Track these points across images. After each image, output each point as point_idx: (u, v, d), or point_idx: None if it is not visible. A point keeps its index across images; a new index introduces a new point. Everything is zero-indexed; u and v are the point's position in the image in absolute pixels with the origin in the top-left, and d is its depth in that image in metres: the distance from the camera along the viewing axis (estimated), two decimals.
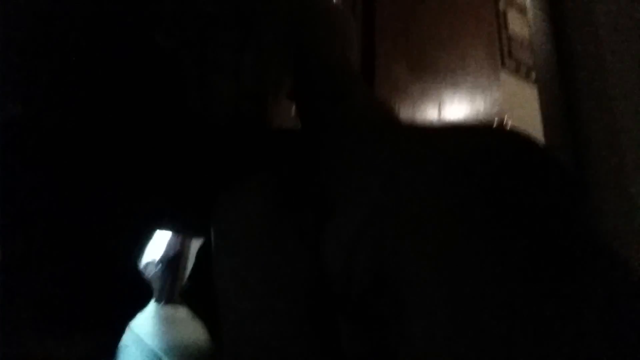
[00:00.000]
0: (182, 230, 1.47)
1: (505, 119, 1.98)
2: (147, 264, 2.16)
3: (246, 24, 0.67)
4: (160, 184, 0.78)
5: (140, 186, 0.74)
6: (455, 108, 1.89)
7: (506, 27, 2.34)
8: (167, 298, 2.04)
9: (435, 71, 1.85)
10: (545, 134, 0.94)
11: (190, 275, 0.86)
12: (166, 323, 1.62)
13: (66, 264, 0.69)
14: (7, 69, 0.54)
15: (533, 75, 2.07)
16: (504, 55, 2.25)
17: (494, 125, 0.30)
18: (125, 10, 0.58)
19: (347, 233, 0.29)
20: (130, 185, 0.73)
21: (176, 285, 2.07)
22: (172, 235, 2.13)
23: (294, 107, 2.13)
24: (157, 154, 0.72)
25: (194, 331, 1.01)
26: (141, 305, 0.89)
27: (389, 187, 0.27)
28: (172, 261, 2.11)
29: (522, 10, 2.22)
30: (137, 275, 0.90)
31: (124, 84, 0.62)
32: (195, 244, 2.08)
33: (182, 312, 1.68)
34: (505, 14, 2.36)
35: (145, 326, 1.42)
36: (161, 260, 2.17)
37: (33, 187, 0.69)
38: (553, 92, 0.93)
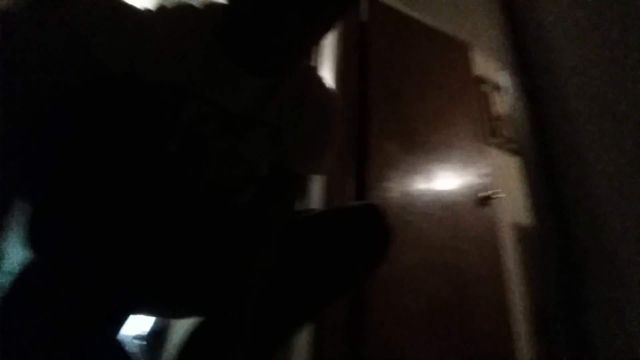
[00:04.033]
0: (169, 315, 1.44)
1: (494, 190, 2.06)
2: (131, 338, 2.07)
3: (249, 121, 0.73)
4: (154, 271, 0.80)
5: (136, 271, 0.75)
6: (445, 181, 1.97)
7: (489, 108, 2.52)
8: None
9: (425, 148, 1.95)
10: (530, 201, 1.02)
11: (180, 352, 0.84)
12: None
13: (53, 337, 0.68)
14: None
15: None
16: (489, 133, 2.40)
17: None
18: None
19: None
20: (128, 267, 0.73)
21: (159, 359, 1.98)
22: None
23: None
24: (156, 241, 0.75)
25: None
26: None
27: None
28: (155, 335, 2.03)
29: (503, 92, 2.41)
30: (119, 349, 0.88)
31: (133, 179, 0.65)
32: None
33: None
34: (487, 96, 2.55)
35: None
36: (144, 335, 2.09)
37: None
38: (533, 163, 1.03)
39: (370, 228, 0.77)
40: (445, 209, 1.88)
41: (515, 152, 2.17)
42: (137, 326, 2.02)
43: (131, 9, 0.67)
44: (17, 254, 0.84)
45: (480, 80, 2.56)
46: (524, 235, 2.26)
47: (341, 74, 1.88)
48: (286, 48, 0.63)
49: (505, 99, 1.96)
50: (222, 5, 0.71)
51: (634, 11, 0.82)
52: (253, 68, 0.69)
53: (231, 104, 0.71)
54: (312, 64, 0.96)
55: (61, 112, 0.55)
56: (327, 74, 1.90)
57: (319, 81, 0.84)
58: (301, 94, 0.78)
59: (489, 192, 2.05)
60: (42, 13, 0.60)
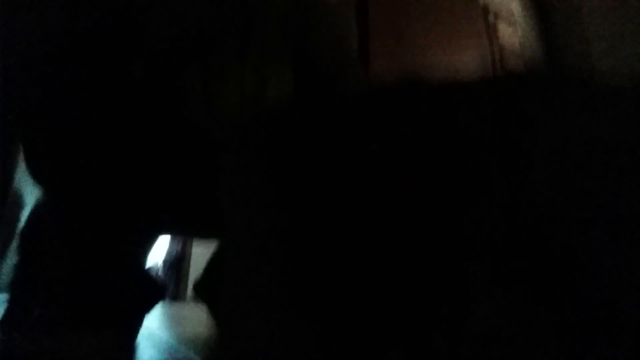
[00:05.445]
0: (187, 234, 1.51)
1: None
2: (152, 267, 2.22)
3: (245, 30, 0.71)
4: (166, 192, 0.83)
5: (147, 194, 0.79)
6: None
7: (497, 38, 2.43)
8: (173, 296, 2.12)
9: (428, 79, 1.93)
10: None
11: (203, 272, 0.90)
12: (176, 317, 1.71)
13: (78, 265, 0.74)
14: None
15: None
16: (495, 64, 2.34)
17: None
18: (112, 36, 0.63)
19: None
20: (137, 192, 0.77)
21: (180, 284, 2.14)
22: (173, 239, 2.24)
23: None
24: (163, 165, 0.77)
25: (200, 324, 1.10)
26: (152, 303, 0.94)
27: None
28: (174, 263, 2.18)
29: (511, 23, 2.33)
30: (146, 275, 0.94)
31: (129, 102, 0.65)
32: (196, 246, 2.16)
33: (188, 309, 1.78)
34: (495, 26, 2.45)
35: (155, 322, 1.50)
36: (164, 262, 2.24)
37: (49, 189, 0.72)
38: None
39: None
40: None
41: None
42: (157, 255, 2.20)
43: None
44: (33, 193, 0.88)
45: (487, 10, 2.45)
46: None
47: None
48: None
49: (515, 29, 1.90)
50: None
51: None
52: None
53: None
54: None
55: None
56: None
57: None
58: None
59: None
60: None
